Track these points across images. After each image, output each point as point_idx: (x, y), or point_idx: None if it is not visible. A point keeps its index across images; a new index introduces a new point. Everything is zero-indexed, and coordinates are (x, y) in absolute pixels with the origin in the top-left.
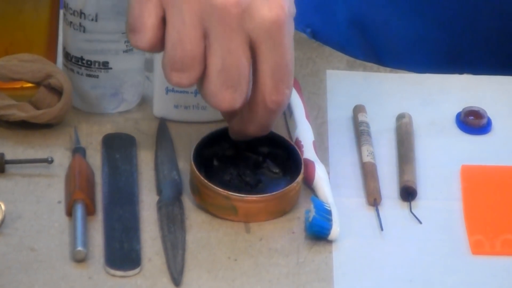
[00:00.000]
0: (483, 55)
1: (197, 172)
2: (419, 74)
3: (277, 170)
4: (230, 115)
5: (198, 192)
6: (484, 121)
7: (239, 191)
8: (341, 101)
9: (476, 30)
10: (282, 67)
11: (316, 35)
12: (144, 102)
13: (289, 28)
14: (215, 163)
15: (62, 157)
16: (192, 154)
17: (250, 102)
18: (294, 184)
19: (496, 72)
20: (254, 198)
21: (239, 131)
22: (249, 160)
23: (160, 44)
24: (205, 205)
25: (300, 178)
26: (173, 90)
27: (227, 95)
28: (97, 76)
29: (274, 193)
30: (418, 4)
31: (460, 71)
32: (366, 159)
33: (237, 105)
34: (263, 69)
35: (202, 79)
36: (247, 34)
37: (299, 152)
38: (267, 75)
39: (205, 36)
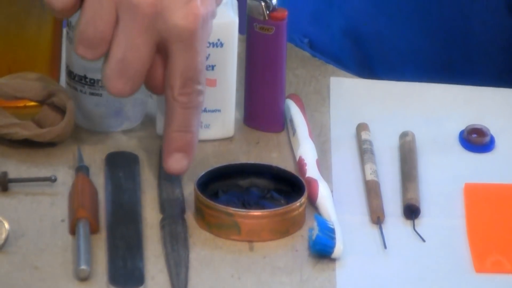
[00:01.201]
0: (475, 66)
1: (199, 192)
2: (422, 83)
3: (282, 200)
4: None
5: (201, 214)
6: (487, 139)
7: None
8: (344, 119)
9: (468, 41)
10: (191, 68)
11: (313, 45)
12: (147, 120)
13: (203, 33)
14: (220, 195)
15: (65, 176)
16: (196, 181)
17: (165, 99)
18: (297, 203)
19: (488, 84)
20: (257, 214)
21: (165, 142)
22: (253, 194)
23: (71, 11)
24: (209, 228)
25: (304, 198)
26: None
27: (119, 83)
28: (100, 95)
29: (276, 209)
30: (411, 16)
31: (454, 83)
32: (369, 177)
33: (126, 95)
34: (173, 68)
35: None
36: (158, 33)
37: (304, 183)
38: (176, 73)
39: (117, 23)
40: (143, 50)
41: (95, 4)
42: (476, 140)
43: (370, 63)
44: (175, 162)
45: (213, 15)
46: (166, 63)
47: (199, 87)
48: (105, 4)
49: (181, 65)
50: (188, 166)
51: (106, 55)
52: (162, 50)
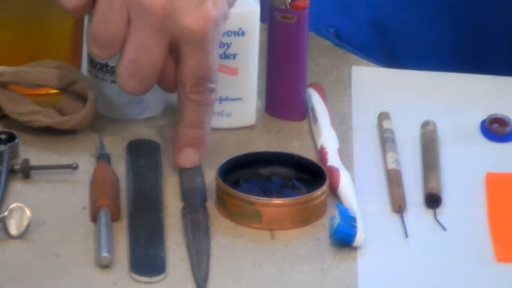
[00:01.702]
0: (500, 57)
1: (220, 181)
2: (443, 73)
3: (303, 189)
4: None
5: (223, 202)
6: (509, 128)
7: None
8: (366, 108)
9: (494, 32)
10: (203, 69)
11: (339, 35)
12: (169, 108)
13: (214, 35)
14: (241, 184)
15: (86, 163)
16: (217, 170)
17: (178, 96)
18: (318, 191)
19: (511, 74)
20: (278, 202)
21: (177, 137)
22: (275, 182)
23: (83, 11)
24: (230, 216)
25: (325, 187)
26: None
27: (131, 83)
28: None
29: (298, 197)
30: (436, 6)
31: (478, 73)
32: (391, 166)
33: (140, 94)
34: (185, 68)
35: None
36: (170, 34)
37: (325, 171)
38: (188, 73)
39: (129, 24)
40: (155, 51)
41: (106, 5)
42: (497, 129)
43: (396, 53)
44: (186, 157)
45: (225, 17)
46: (178, 62)
47: (212, 85)
48: (116, 6)
49: (193, 66)
50: (199, 161)
51: (120, 54)
52: (174, 49)
